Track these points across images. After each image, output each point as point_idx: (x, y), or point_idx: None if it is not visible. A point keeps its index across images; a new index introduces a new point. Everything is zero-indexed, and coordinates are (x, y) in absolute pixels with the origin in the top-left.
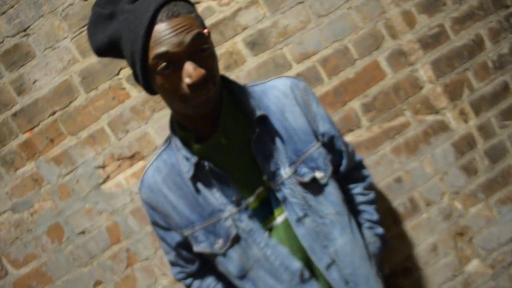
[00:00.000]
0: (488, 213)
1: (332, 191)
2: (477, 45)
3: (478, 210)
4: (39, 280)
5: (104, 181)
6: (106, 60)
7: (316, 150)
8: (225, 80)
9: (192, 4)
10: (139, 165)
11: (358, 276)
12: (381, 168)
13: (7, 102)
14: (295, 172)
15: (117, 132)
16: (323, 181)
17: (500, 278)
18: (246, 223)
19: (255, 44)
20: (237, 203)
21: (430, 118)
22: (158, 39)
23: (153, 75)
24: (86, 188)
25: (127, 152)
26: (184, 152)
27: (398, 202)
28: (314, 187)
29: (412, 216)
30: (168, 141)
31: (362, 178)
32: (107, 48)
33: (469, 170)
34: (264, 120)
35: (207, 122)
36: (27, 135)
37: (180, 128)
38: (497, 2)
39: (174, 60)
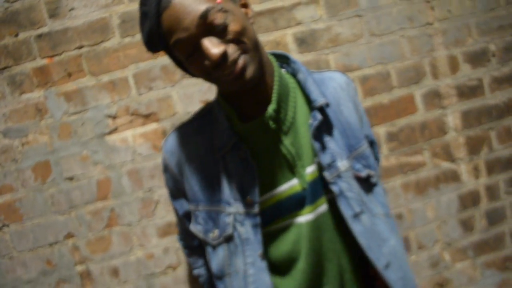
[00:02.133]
0: (472, 272)
1: (381, 192)
2: (507, 108)
3: (464, 267)
4: (7, 215)
5: (110, 132)
6: None
7: (366, 148)
8: (287, 60)
9: None
10: (151, 126)
11: (408, 280)
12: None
13: (35, 21)
14: (351, 166)
15: (140, 87)
16: (374, 180)
17: None
18: (246, 230)
19: (304, 42)
20: (249, 205)
21: (445, 164)
22: (169, 27)
23: (184, 62)
24: (89, 133)
25: (144, 110)
26: (225, 126)
27: None
28: (367, 184)
29: None
30: (207, 109)
31: None
32: (149, 44)
33: (467, 226)
34: (323, 109)
35: (253, 100)
36: (45, 61)
37: (224, 101)
38: None
39: (191, 43)
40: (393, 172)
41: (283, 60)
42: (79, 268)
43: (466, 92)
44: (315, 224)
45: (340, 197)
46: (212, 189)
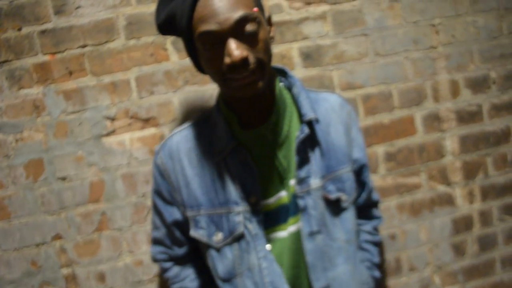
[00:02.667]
0: None
1: (349, 218)
2: (504, 135)
3: None
4: None
5: (108, 134)
6: None
7: (346, 172)
8: (284, 73)
9: None
10: (150, 131)
11: None
12: None
13: (40, 16)
14: (323, 187)
15: (142, 90)
16: (344, 205)
17: None
18: (254, 227)
19: (309, 57)
20: (254, 203)
21: (441, 188)
22: (202, 16)
23: (199, 51)
24: (86, 134)
25: (144, 114)
26: (224, 131)
27: (385, 257)
28: (335, 208)
29: (393, 276)
30: (206, 115)
31: (374, 218)
32: (166, 25)
33: (458, 250)
34: (312, 125)
35: (254, 109)
36: (47, 57)
37: (226, 107)
38: None
39: (217, 38)
40: (389, 192)
41: (281, 74)
42: (65, 271)
43: (465, 117)
44: (296, 237)
45: (304, 212)
46: (215, 192)
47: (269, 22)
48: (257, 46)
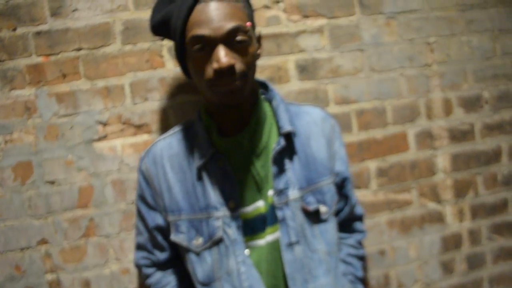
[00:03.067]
0: None
1: (329, 229)
2: (495, 155)
3: None
4: None
5: (99, 139)
6: None
7: (327, 185)
8: (266, 87)
9: None
10: (142, 137)
11: None
12: (370, 235)
13: (36, 17)
14: (302, 198)
15: (135, 96)
16: (324, 217)
17: None
18: (233, 232)
19: (305, 70)
20: (233, 209)
21: (431, 205)
22: (197, 20)
23: (188, 55)
24: (77, 138)
25: (136, 120)
26: (204, 139)
27: (373, 273)
28: (314, 219)
29: None
30: (189, 123)
31: (358, 232)
32: (160, 26)
33: (447, 268)
34: (290, 137)
35: (233, 118)
36: (41, 59)
37: (207, 115)
38: None
39: (208, 44)
40: (380, 207)
41: (263, 87)
42: (49, 276)
43: (458, 135)
44: (273, 247)
45: (282, 223)
46: (195, 197)
47: (258, 40)
48: (245, 57)
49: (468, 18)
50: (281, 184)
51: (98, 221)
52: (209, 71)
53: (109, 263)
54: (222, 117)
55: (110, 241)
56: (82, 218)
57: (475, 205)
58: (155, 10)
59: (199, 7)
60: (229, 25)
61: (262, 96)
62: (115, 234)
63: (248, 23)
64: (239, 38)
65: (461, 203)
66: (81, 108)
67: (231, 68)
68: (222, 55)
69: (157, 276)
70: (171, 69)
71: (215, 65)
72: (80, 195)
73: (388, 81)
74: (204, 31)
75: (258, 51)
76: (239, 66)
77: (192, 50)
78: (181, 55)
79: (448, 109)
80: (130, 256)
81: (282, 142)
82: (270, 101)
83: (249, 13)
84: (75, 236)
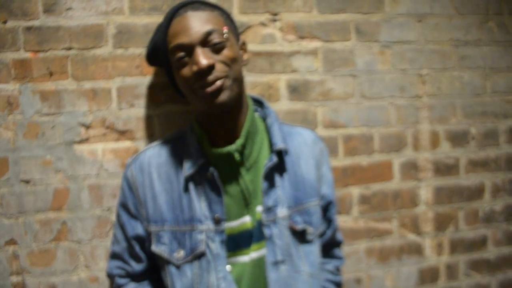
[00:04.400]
0: None
1: (314, 251)
2: (478, 191)
3: None
4: None
5: (80, 142)
6: (150, 29)
7: (314, 206)
8: (261, 104)
9: (221, 8)
10: (124, 144)
11: None
12: (348, 262)
13: (28, 12)
14: (290, 217)
15: (122, 101)
16: (310, 237)
17: None
18: (216, 246)
19: (296, 90)
20: (217, 222)
21: (411, 236)
22: (175, 31)
23: (174, 68)
24: (57, 138)
25: (120, 126)
26: (195, 149)
27: None
28: (301, 239)
29: None
30: (180, 133)
31: (337, 258)
32: (152, 54)
33: None
34: (282, 155)
35: (224, 129)
36: (29, 54)
37: (198, 126)
38: (510, 163)
39: (188, 50)
40: (360, 235)
41: (258, 104)
42: (14, 279)
43: (442, 169)
44: (258, 264)
45: (269, 241)
46: (180, 209)
47: (242, 47)
48: (225, 58)
49: (461, 54)
50: (270, 201)
51: (70, 226)
52: (191, 75)
53: (78, 269)
54: (213, 128)
55: (81, 247)
56: (55, 221)
57: (455, 239)
58: (149, 42)
59: (176, 20)
60: (204, 28)
61: (256, 113)
62: (87, 240)
63: (225, 27)
64: (216, 40)
65: (441, 236)
66: (65, 108)
67: (210, 68)
68: (200, 57)
69: (130, 287)
70: (161, 77)
71: (194, 68)
72: (55, 197)
73: (377, 109)
74: (182, 39)
75: (244, 57)
76: (219, 66)
77: (175, 61)
78: (171, 75)
79: (435, 142)
80: (101, 264)
81: (275, 158)
82: (264, 118)
83: (226, 20)
84: (45, 239)
